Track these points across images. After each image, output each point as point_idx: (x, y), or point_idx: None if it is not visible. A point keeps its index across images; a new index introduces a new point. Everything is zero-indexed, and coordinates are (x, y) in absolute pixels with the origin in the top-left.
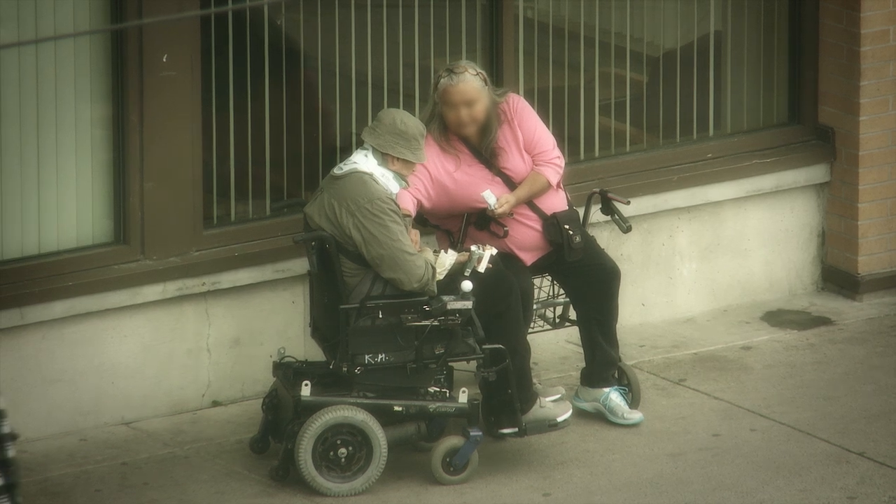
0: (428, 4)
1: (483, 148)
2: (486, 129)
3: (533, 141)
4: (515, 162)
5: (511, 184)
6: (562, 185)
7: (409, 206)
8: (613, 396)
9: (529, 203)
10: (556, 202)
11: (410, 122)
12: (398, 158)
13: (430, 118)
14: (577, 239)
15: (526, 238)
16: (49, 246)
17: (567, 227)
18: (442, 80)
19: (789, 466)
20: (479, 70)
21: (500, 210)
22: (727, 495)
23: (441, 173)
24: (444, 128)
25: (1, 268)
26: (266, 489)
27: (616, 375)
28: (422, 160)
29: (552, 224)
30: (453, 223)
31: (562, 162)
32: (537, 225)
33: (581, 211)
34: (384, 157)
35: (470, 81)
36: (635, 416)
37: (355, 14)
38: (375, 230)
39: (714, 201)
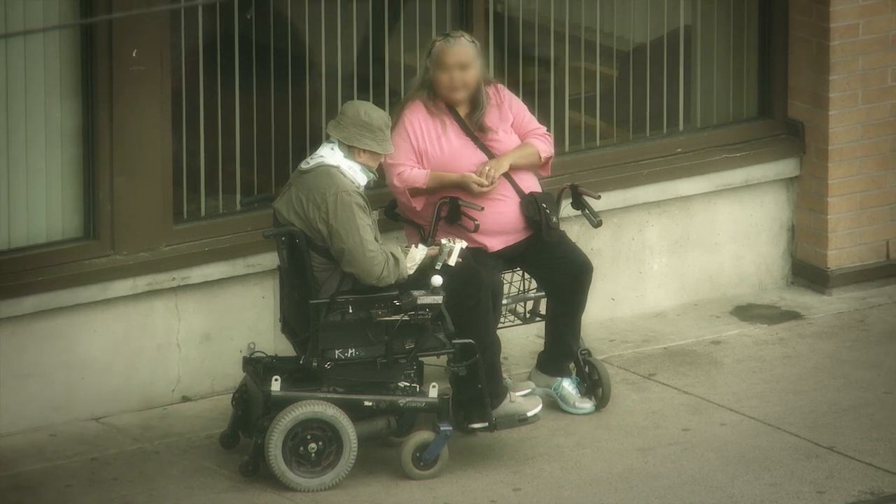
0: None
1: (472, 122)
2: (475, 102)
3: (524, 121)
4: (502, 140)
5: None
6: (548, 169)
7: (421, 179)
8: (566, 384)
9: (510, 180)
10: (533, 184)
11: (375, 113)
12: (364, 150)
13: (420, 86)
14: (554, 219)
15: (503, 218)
16: (19, 241)
17: (545, 205)
18: (438, 43)
19: (759, 461)
20: (474, 39)
21: (491, 174)
22: (697, 489)
23: (425, 142)
24: (434, 97)
25: None
26: (236, 484)
27: (572, 367)
28: (388, 151)
29: (531, 202)
30: (425, 216)
31: (551, 138)
32: (515, 203)
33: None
34: (350, 150)
35: (465, 46)
36: (586, 404)
37: (325, 8)
38: (339, 224)
39: (684, 196)
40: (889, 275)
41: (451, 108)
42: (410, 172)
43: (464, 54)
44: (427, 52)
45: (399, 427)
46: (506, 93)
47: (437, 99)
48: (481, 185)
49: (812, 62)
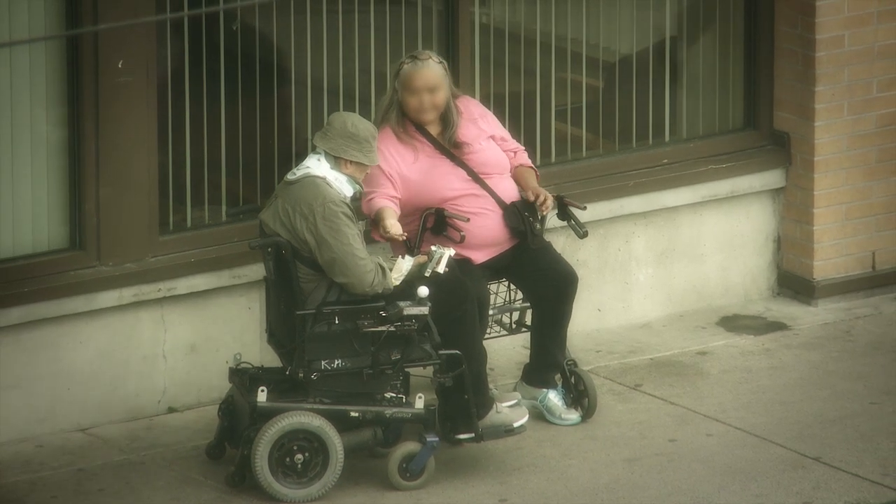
0: (384, 10)
1: (446, 140)
2: (446, 121)
3: (503, 141)
4: (478, 152)
5: (473, 174)
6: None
7: (392, 213)
8: (552, 396)
9: (490, 193)
10: (513, 193)
11: (362, 125)
12: (351, 161)
13: (389, 107)
14: (538, 225)
15: (486, 232)
16: (5, 252)
17: (527, 213)
18: (405, 66)
19: (745, 471)
20: (441, 59)
21: (549, 204)
22: (683, 500)
23: (400, 166)
24: (403, 118)
25: None
26: (222, 495)
27: (558, 378)
28: (374, 162)
29: (513, 212)
30: (410, 227)
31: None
32: (498, 216)
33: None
34: (337, 161)
35: (433, 68)
36: (572, 415)
37: (311, 20)
38: (327, 233)
39: (670, 207)
40: (875, 286)
41: (422, 128)
42: (375, 202)
43: (432, 77)
44: (395, 73)
45: (385, 438)
46: (475, 105)
47: (407, 120)
48: (386, 230)
49: (798, 73)
